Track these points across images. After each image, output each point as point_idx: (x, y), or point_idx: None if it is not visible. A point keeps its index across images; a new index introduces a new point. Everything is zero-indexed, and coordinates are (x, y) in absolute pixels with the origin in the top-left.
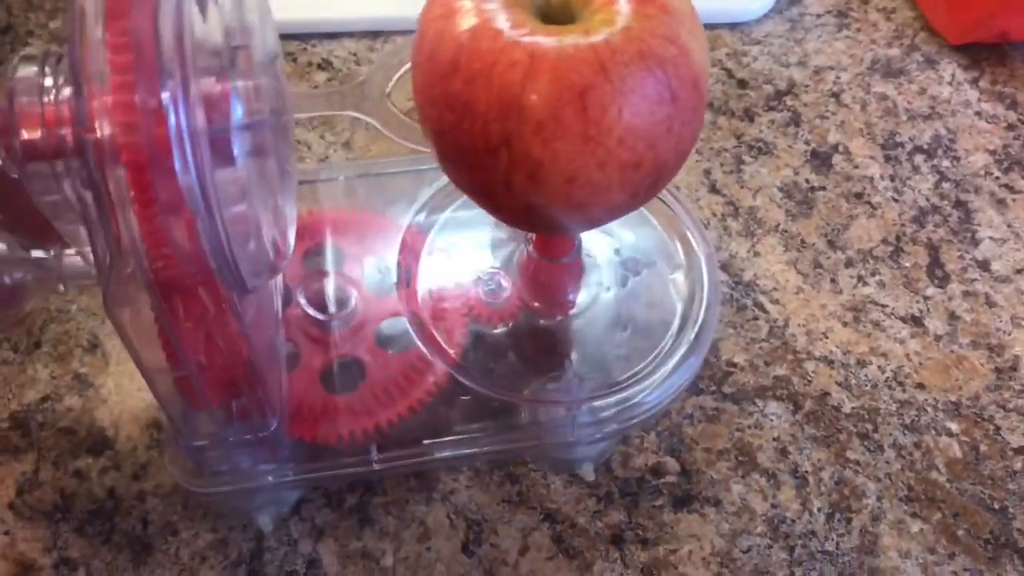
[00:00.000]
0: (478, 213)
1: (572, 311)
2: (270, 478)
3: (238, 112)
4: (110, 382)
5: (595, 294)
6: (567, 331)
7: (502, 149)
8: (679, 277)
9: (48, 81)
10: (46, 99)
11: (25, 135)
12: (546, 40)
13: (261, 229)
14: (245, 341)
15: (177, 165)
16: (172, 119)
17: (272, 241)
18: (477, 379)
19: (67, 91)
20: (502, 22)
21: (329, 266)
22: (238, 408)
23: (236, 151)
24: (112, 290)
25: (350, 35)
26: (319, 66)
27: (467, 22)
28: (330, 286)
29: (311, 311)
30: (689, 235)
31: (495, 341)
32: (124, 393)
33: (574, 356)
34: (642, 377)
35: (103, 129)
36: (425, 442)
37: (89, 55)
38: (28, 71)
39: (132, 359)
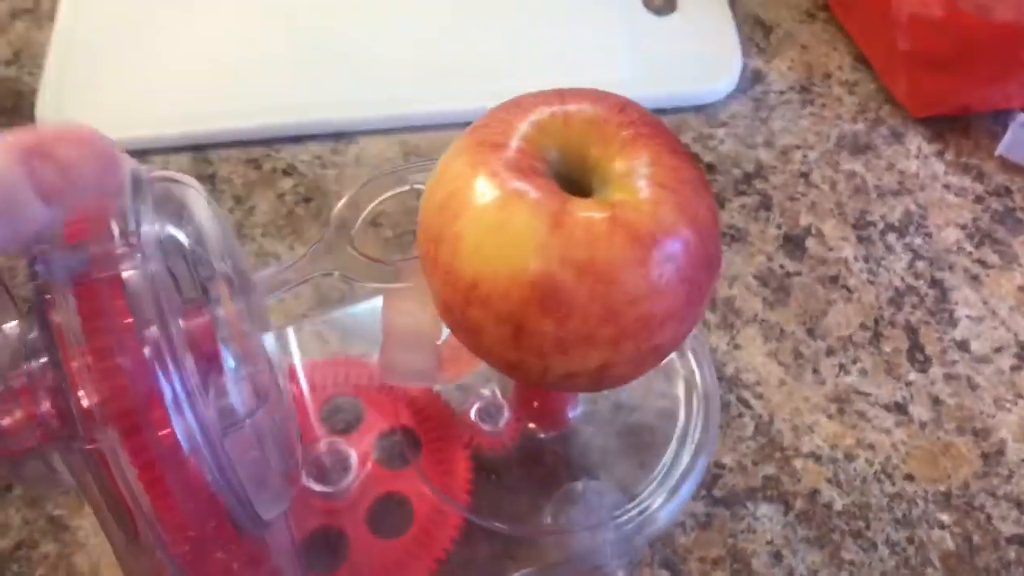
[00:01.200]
0: None
1: (572, 424)
2: None
3: (225, 348)
4: (86, 524)
5: (590, 397)
6: (571, 443)
7: (522, 332)
8: (671, 363)
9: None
10: (21, 382)
11: (6, 424)
12: (576, 217)
13: (268, 456)
14: (275, 569)
15: (174, 419)
16: (160, 373)
17: (282, 464)
18: (494, 517)
19: (41, 363)
20: (529, 199)
21: (318, 430)
22: None
23: (231, 389)
24: (131, 566)
25: (313, 138)
26: (284, 171)
27: (493, 201)
28: (326, 452)
29: (317, 487)
30: None
31: (502, 468)
32: (102, 535)
33: (585, 468)
34: (659, 481)
35: (89, 398)
36: None
37: (63, 327)
38: None
39: None
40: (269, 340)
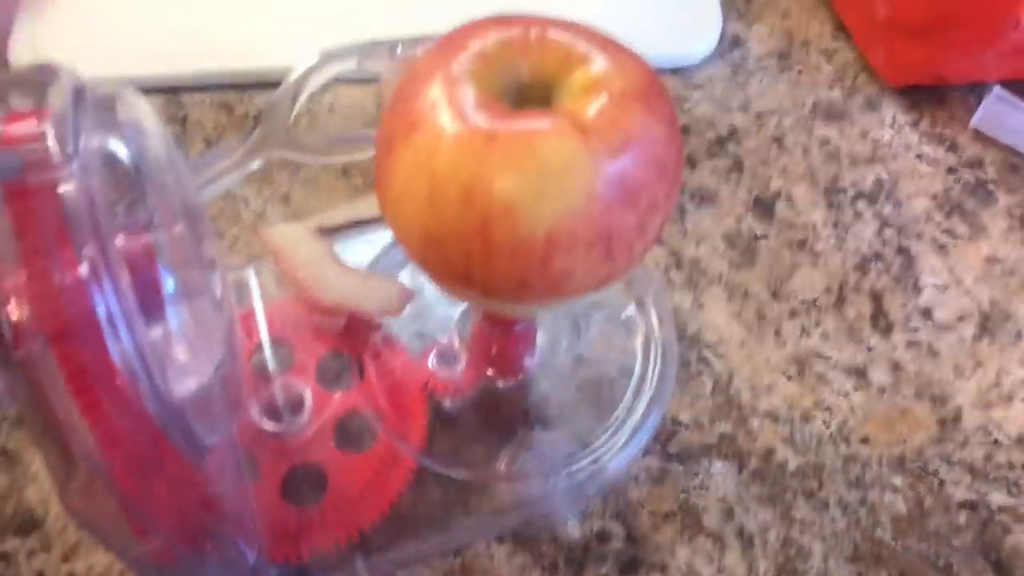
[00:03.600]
0: (423, 283)
1: (531, 374)
2: None
3: (165, 271)
4: (38, 458)
5: (549, 347)
6: (529, 392)
7: (482, 245)
8: (631, 316)
9: None
10: None
11: None
12: (527, 124)
13: (207, 374)
14: (215, 496)
15: (109, 339)
16: (95, 292)
17: (222, 383)
18: (448, 463)
19: None
20: (481, 119)
21: (272, 366)
22: (213, 550)
23: (168, 307)
24: (67, 486)
25: None
26: (256, 117)
27: (446, 125)
28: (279, 390)
29: (266, 423)
30: (633, 270)
31: (458, 415)
32: None
33: (540, 418)
34: (613, 432)
35: (21, 312)
36: (409, 542)
37: None
38: None
39: (97, 542)
40: (227, 278)
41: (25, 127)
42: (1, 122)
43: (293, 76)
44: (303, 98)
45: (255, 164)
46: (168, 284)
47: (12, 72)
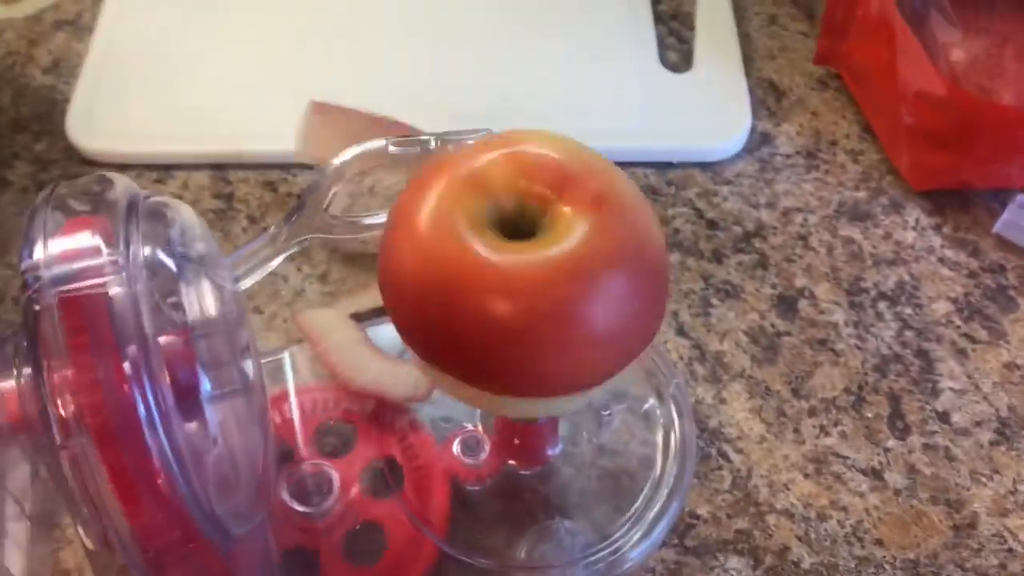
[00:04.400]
0: None
1: (553, 463)
2: None
3: (203, 370)
4: None
5: (572, 437)
6: (550, 481)
7: (483, 365)
8: (652, 408)
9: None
10: (10, 382)
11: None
12: (516, 258)
13: (239, 469)
14: None
15: (148, 437)
16: (136, 390)
17: (254, 478)
18: (469, 550)
19: (29, 371)
20: (473, 246)
21: (301, 449)
22: None
23: (205, 404)
24: (101, 568)
25: None
26: (299, 196)
27: (438, 248)
28: (308, 473)
29: (298, 507)
30: (655, 363)
31: (480, 501)
32: None
33: (561, 507)
34: (632, 523)
35: (66, 409)
36: None
37: (47, 339)
38: None
39: None
40: (261, 362)
41: (81, 240)
42: (62, 229)
43: (329, 165)
44: (339, 186)
45: (292, 249)
46: (205, 383)
47: (76, 181)
